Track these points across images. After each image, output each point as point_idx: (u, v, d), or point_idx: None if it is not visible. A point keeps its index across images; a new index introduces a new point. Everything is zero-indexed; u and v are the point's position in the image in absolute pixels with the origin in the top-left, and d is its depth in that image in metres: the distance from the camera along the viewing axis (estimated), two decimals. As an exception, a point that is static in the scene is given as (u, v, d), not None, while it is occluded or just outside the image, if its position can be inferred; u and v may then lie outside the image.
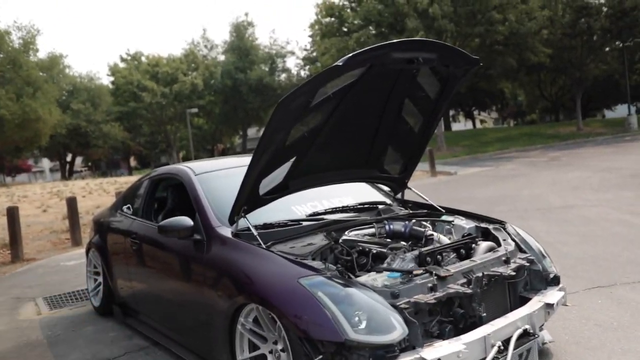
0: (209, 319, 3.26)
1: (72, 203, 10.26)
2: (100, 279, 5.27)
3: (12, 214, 8.95)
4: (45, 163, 62.16)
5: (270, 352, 2.87)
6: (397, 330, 2.43)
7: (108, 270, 4.98)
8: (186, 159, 46.82)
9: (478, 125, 56.56)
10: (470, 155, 24.62)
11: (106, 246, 5.04)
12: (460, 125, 56.70)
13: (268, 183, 3.32)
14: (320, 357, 2.46)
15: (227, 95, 45.25)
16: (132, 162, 60.15)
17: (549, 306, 2.97)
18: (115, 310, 4.98)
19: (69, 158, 50.18)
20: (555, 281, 3.23)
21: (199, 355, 3.57)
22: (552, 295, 3.05)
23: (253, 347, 2.99)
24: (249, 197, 3.23)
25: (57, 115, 34.78)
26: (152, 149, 54.74)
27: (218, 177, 4.06)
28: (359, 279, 2.78)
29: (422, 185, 14.94)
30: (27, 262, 8.71)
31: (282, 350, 2.76)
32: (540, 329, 3.09)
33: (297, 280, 2.65)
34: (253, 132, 52.18)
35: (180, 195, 4.47)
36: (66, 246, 9.97)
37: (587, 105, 44.15)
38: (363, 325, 2.43)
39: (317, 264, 2.89)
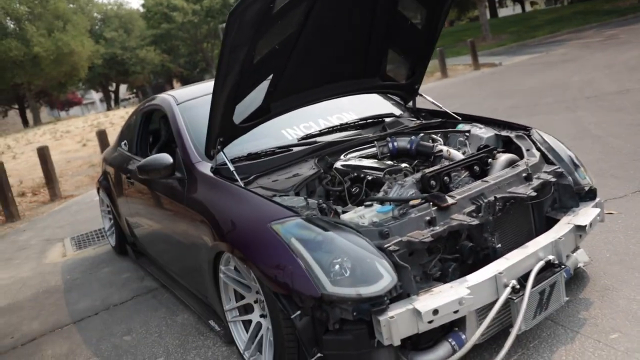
0: (198, 264, 2.96)
1: (102, 136, 10.19)
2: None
3: (43, 155, 8.87)
4: (95, 94, 62.94)
5: (256, 301, 2.55)
6: (384, 279, 2.00)
7: (115, 210, 4.77)
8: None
9: (528, 8, 52.32)
10: (518, 42, 22.73)
11: (110, 185, 4.80)
12: (509, 10, 52.67)
13: (244, 109, 2.85)
14: (299, 312, 2.11)
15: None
16: (176, 85, 60.14)
17: (579, 229, 2.42)
18: (128, 250, 4.82)
19: (113, 87, 50.60)
20: (590, 195, 2.68)
21: (200, 300, 3.34)
22: (585, 215, 2.49)
23: (240, 296, 2.68)
24: (223, 126, 2.79)
25: (90, 46, 34.67)
26: (192, 69, 54.28)
27: (203, 104, 3.62)
28: (344, 216, 2.35)
29: (463, 81, 14.00)
30: (65, 200, 8.76)
31: (267, 300, 2.43)
32: (574, 250, 2.61)
33: (269, 225, 2.25)
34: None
35: (169, 128, 4.09)
36: (101, 180, 9.96)
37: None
38: (344, 275, 2.02)
39: (297, 200, 2.48)
